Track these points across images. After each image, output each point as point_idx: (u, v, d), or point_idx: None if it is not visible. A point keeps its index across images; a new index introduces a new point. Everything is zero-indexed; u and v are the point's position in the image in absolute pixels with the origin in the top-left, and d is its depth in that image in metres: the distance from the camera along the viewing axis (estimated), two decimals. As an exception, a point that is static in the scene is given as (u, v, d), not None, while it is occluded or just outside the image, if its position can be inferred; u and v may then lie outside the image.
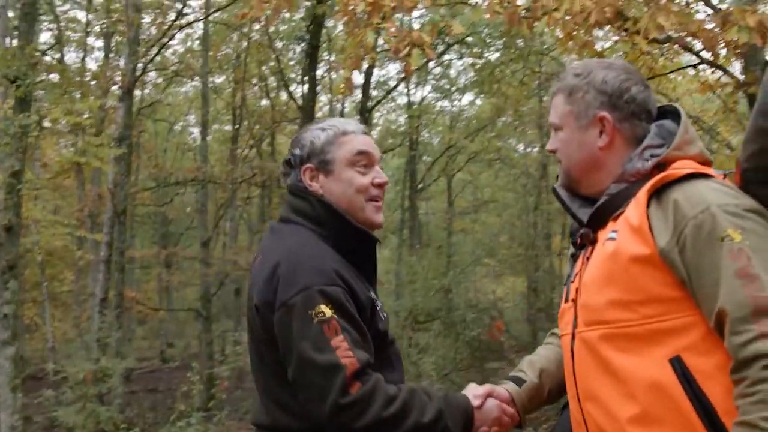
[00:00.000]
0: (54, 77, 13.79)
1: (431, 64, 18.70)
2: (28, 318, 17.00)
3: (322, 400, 1.81)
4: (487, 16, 5.93)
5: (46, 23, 17.88)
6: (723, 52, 5.79)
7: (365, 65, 8.10)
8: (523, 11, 5.87)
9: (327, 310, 1.83)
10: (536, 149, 21.81)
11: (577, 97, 1.88)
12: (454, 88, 21.38)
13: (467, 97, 23.88)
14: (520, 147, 23.69)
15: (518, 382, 2.13)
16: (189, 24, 14.83)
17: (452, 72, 21.14)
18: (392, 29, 5.80)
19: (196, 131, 25.85)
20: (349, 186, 2.03)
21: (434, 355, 9.39)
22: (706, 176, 1.72)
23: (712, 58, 6.08)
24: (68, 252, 18.14)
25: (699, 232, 1.61)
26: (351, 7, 5.73)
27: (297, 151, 2.07)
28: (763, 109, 1.62)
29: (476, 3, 6.17)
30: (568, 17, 5.61)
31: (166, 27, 13.98)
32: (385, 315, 2.10)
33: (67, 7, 18.53)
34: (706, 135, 10.49)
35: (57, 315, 17.29)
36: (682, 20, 5.51)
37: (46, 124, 11.80)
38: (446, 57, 17.90)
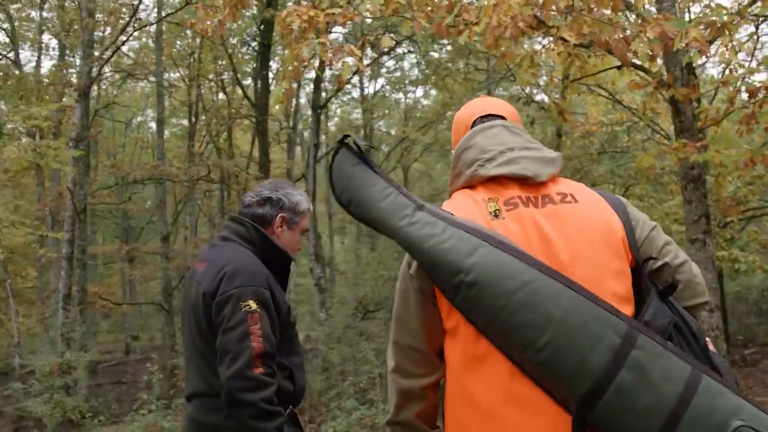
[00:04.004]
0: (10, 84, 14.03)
1: (384, 58, 19.10)
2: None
3: (233, 362, 2.44)
4: (416, 28, 6.42)
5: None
6: (637, 55, 6.25)
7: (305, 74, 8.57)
8: (450, 22, 6.38)
9: (253, 305, 2.51)
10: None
11: None
12: (407, 81, 21.82)
13: (421, 90, 24.28)
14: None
15: None
16: (143, 27, 15.10)
17: (405, 65, 21.49)
18: (326, 43, 6.29)
19: (153, 126, 26.04)
20: (294, 243, 2.88)
21: (376, 342, 9.88)
22: None
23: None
24: (30, 249, 18.34)
25: None
26: (288, 23, 6.23)
27: (283, 199, 2.83)
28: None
29: (405, 16, 6.61)
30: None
31: (120, 28, 14.24)
32: (294, 312, 2.85)
33: (18, 5, 18.48)
34: (647, 128, 10.92)
35: (21, 311, 17.56)
36: (595, 28, 6.05)
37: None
38: (398, 50, 18.22)
